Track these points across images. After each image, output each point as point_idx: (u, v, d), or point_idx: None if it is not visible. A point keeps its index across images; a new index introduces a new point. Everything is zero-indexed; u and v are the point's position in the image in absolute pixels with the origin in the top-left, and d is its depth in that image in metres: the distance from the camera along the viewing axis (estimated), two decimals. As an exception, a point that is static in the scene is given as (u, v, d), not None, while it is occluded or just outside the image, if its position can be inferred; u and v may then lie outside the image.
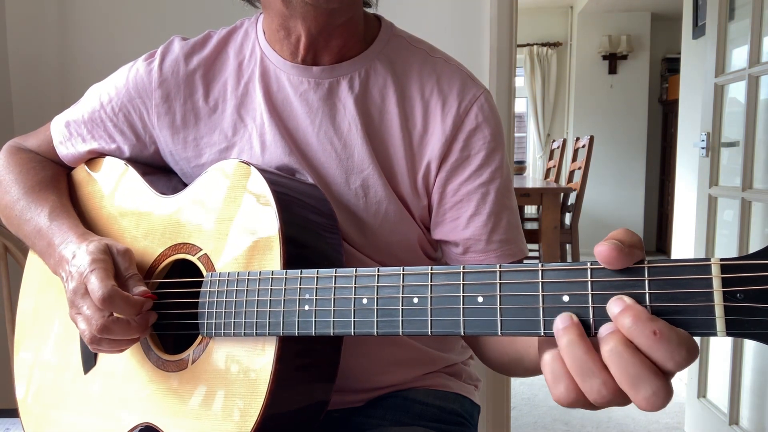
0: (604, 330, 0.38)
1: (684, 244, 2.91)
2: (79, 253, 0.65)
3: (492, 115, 0.74)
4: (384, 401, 0.78)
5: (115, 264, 0.65)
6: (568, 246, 3.49)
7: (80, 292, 0.63)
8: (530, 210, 4.37)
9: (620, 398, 0.37)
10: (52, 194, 0.78)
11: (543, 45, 5.49)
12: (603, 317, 0.38)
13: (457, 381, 0.84)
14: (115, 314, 0.61)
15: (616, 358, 0.36)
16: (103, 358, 0.72)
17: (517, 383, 2.55)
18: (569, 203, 3.65)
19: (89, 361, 0.73)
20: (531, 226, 3.49)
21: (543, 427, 2.23)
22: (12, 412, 1.03)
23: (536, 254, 3.65)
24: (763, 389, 1.76)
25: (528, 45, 5.47)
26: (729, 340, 1.85)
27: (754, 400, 1.80)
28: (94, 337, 0.61)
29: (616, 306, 0.37)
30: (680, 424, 2.24)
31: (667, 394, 0.35)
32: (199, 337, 0.64)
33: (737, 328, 0.35)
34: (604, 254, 0.38)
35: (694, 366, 2.07)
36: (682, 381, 2.39)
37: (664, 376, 0.36)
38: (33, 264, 0.83)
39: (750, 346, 1.83)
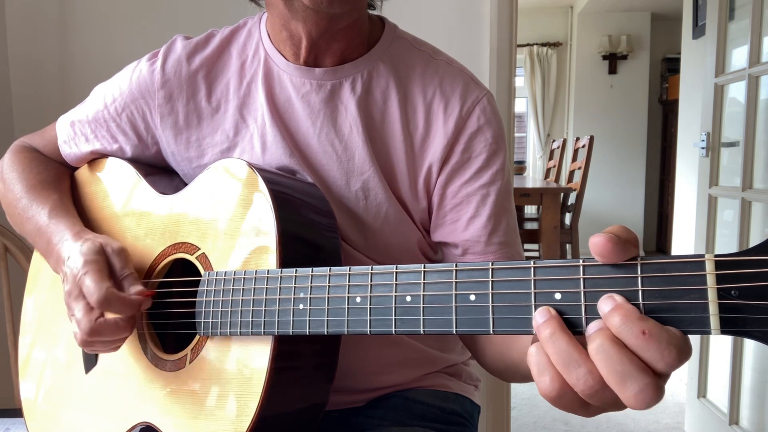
0: (592, 327, 0.38)
1: (684, 244, 2.91)
2: (73, 254, 0.65)
3: (494, 118, 0.74)
4: (384, 401, 0.78)
5: (111, 264, 0.65)
6: (568, 246, 3.48)
7: (74, 295, 0.63)
8: (530, 210, 4.37)
9: (607, 392, 0.36)
10: (54, 193, 0.78)
11: (543, 45, 5.48)
12: (594, 315, 0.38)
13: (458, 381, 0.84)
14: (105, 316, 0.61)
15: (602, 356, 0.36)
16: (103, 358, 0.72)
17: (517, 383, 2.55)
18: (569, 203, 3.65)
19: (90, 360, 0.73)
20: (531, 226, 3.49)
21: (543, 427, 2.23)
22: (12, 412, 1.03)
23: (536, 254, 3.65)
24: (763, 389, 1.76)
25: (528, 45, 5.47)
26: (729, 339, 1.85)
27: (754, 400, 1.80)
28: (84, 340, 0.62)
29: (606, 304, 0.37)
30: (680, 424, 2.23)
31: (655, 391, 0.35)
32: (197, 337, 0.64)
33: (732, 326, 0.34)
34: (599, 246, 0.37)
35: (694, 366, 2.07)
36: (682, 381, 2.39)
37: (653, 373, 0.35)
38: (38, 262, 0.84)
39: (750, 346, 1.83)
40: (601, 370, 0.36)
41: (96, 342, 0.62)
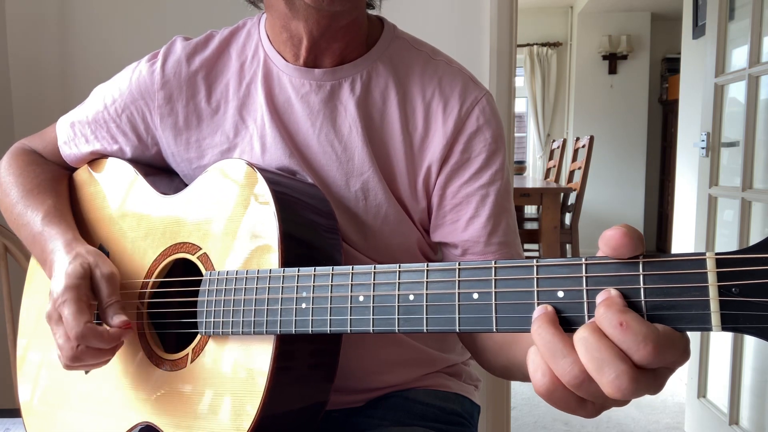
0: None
1: (684, 244, 2.91)
2: (58, 274, 0.65)
3: (493, 118, 0.74)
4: (384, 401, 0.78)
5: (97, 289, 0.65)
6: (568, 246, 3.49)
7: (54, 319, 0.63)
8: (530, 210, 4.37)
9: (593, 384, 0.37)
10: (49, 198, 0.78)
11: (543, 45, 5.49)
12: None
13: (457, 381, 0.84)
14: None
15: (583, 343, 0.37)
16: (103, 357, 0.72)
17: (517, 383, 2.55)
18: (569, 203, 3.65)
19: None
20: (531, 226, 3.49)
21: (543, 427, 2.23)
22: (12, 412, 1.03)
23: (536, 254, 3.65)
24: (763, 389, 1.76)
25: (528, 45, 5.47)
26: (729, 339, 1.85)
27: (754, 400, 1.80)
28: (67, 365, 0.63)
29: (599, 297, 0.38)
30: (680, 424, 2.23)
31: (631, 380, 0.35)
32: (199, 336, 0.64)
33: (732, 323, 0.35)
34: (614, 238, 0.37)
35: (694, 366, 2.07)
36: (682, 381, 2.39)
37: (631, 363, 0.36)
38: (36, 263, 0.83)
39: (750, 345, 1.83)
40: (581, 357, 0.37)
41: (79, 366, 0.64)
